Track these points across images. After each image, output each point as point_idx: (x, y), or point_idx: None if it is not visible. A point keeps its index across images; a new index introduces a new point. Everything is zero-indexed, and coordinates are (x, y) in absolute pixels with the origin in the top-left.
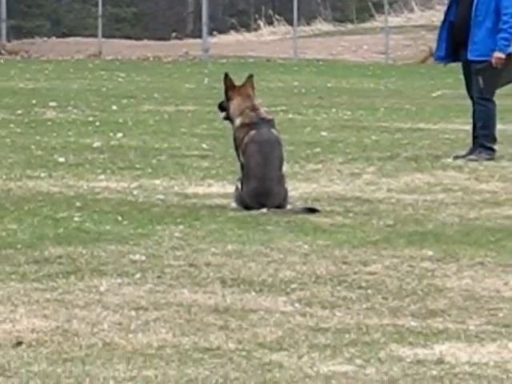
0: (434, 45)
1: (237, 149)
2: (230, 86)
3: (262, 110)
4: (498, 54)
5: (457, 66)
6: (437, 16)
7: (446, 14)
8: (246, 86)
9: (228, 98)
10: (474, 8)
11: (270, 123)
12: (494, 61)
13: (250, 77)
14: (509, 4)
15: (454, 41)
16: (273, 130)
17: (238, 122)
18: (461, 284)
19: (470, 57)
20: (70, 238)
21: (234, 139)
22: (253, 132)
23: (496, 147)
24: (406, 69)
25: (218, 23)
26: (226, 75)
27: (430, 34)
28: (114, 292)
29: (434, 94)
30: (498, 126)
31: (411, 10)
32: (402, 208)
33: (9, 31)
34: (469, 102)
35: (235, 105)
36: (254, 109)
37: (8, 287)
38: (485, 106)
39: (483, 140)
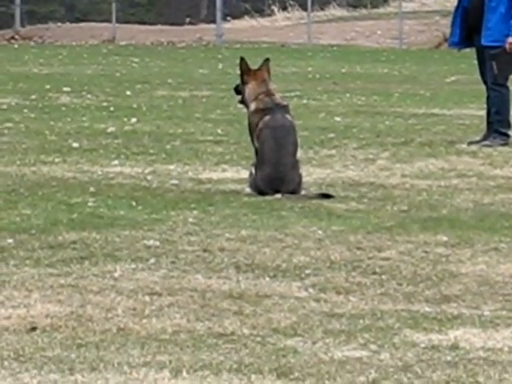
0: (447, 30)
1: (251, 134)
2: (245, 69)
3: (277, 96)
4: (510, 39)
5: (471, 52)
6: (450, 1)
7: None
8: (262, 70)
9: (243, 82)
10: None
11: (284, 109)
12: (508, 46)
13: (266, 60)
14: None
15: (468, 26)
16: (287, 116)
17: (252, 106)
18: (475, 269)
19: (483, 42)
20: (84, 224)
21: (249, 124)
22: (267, 117)
23: (511, 133)
24: (420, 54)
25: (232, 8)
26: (242, 59)
27: (443, 20)
28: (128, 277)
29: (448, 80)
30: None
31: None
32: (416, 193)
33: (23, 16)
34: (483, 87)
35: (250, 89)
36: (269, 94)
37: (22, 272)
38: (499, 91)
39: (497, 125)
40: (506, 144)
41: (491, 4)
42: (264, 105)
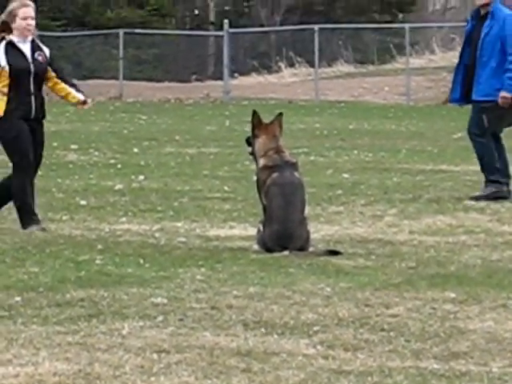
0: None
1: (259, 190)
2: (257, 123)
3: (287, 153)
4: (505, 94)
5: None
6: (457, 57)
7: (461, 56)
8: (274, 124)
9: (254, 136)
10: (479, 48)
11: (293, 166)
12: (500, 100)
13: (279, 115)
14: (509, 45)
15: (468, 83)
16: (296, 173)
17: (261, 163)
18: (483, 326)
19: (475, 97)
20: (92, 281)
21: (257, 180)
22: (275, 174)
23: (504, 180)
24: (427, 110)
25: (239, 65)
26: (255, 112)
27: (450, 76)
28: (136, 335)
29: (456, 136)
30: None
31: (432, 52)
32: (424, 250)
33: None
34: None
35: (260, 144)
36: (278, 151)
37: (30, 330)
38: (480, 141)
39: (487, 174)
40: (499, 192)
41: (482, 59)
42: (273, 162)
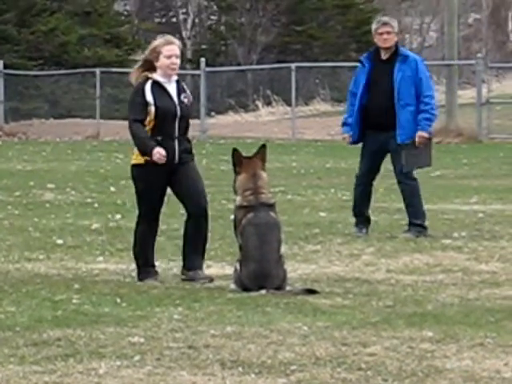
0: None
1: (235, 229)
2: (237, 160)
3: (266, 193)
4: (422, 134)
5: (455, 147)
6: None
7: (360, 98)
8: (255, 160)
9: (235, 172)
10: (396, 93)
11: (269, 207)
12: (417, 140)
13: (263, 147)
14: (427, 87)
15: (367, 124)
16: (271, 213)
17: (237, 202)
18: (461, 365)
19: (399, 140)
20: (69, 321)
21: (234, 218)
22: (250, 215)
23: (426, 223)
24: None
25: (216, 104)
26: (234, 150)
27: None
28: (113, 375)
29: (433, 174)
30: (498, 206)
31: None
32: (402, 289)
33: (6, 113)
34: (468, 182)
35: (239, 182)
36: (256, 192)
37: (7, 370)
38: (408, 184)
39: (411, 218)
40: (422, 235)
41: (400, 103)
42: (248, 202)
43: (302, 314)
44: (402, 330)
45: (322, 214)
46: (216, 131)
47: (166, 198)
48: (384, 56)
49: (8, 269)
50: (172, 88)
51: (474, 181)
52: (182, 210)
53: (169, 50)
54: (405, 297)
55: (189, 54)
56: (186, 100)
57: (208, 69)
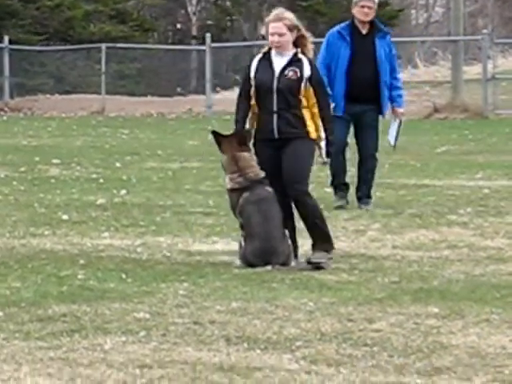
0: (438, 101)
1: (233, 209)
2: (217, 142)
3: (252, 172)
4: (401, 110)
5: (461, 122)
6: (441, 72)
7: (345, 72)
8: (231, 141)
9: (221, 151)
10: (379, 69)
11: (261, 182)
12: (400, 116)
13: (245, 132)
14: (396, 63)
15: (351, 97)
16: (266, 187)
17: (228, 185)
18: (466, 341)
19: (385, 113)
20: (74, 296)
21: (229, 200)
22: (246, 194)
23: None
24: (410, 125)
25: (222, 79)
26: (213, 132)
27: (434, 90)
28: (118, 350)
29: (439, 150)
30: (504, 182)
31: (415, 66)
32: (407, 265)
33: (12, 88)
34: (473, 157)
35: (224, 162)
36: (242, 174)
37: (12, 345)
38: (376, 159)
39: (369, 191)
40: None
41: (383, 78)
42: (239, 184)
43: (308, 290)
44: (408, 306)
45: (328, 189)
46: (221, 107)
47: (170, 173)
48: (363, 30)
49: (13, 244)
50: (281, 61)
51: (479, 156)
52: (188, 186)
53: (272, 27)
54: (410, 273)
55: (194, 30)
56: (290, 73)
57: (214, 44)
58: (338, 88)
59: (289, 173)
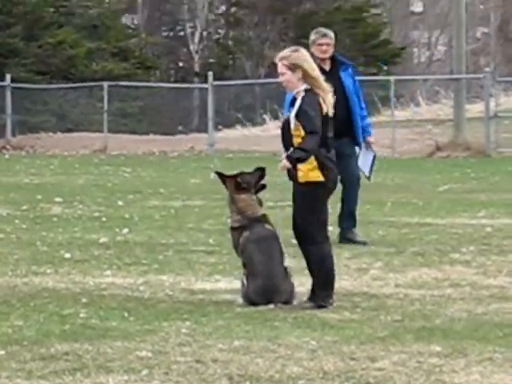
0: (440, 139)
1: (235, 247)
2: (222, 182)
3: (250, 209)
4: (372, 139)
5: (463, 160)
6: (443, 110)
7: None
8: (230, 183)
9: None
10: (349, 102)
11: (260, 221)
12: (372, 146)
13: (240, 174)
14: (361, 94)
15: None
16: (266, 226)
17: (229, 224)
18: (469, 380)
19: (361, 143)
20: (76, 335)
21: (232, 237)
22: (246, 233)
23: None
24: (412, 163)
25: (224, 117)
26: (217, 173)
27: (436, 129)
28: None
29: (441, 189)
30: (506, 221)
31: (417, 104)
32: (410, 303)
33: (14, 126)
34: (476, 195)
35: (227, 201)
36: (240, 212)
37: None
38: (359, 187)
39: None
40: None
41: (354, 110)
42: (238, 223)
43: (310, 329)
44: (411, 345)
45: (330, 228)
46: (223, 145)
47: (173, 211)
48: (326, 67)
49: (16, 283)
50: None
51: (482, 195)
52: (190, 224)
53: (278, 67)
54: (413, 311)
55: (196, 68)
56: (288, 112)
57: (216, 82)
58: None
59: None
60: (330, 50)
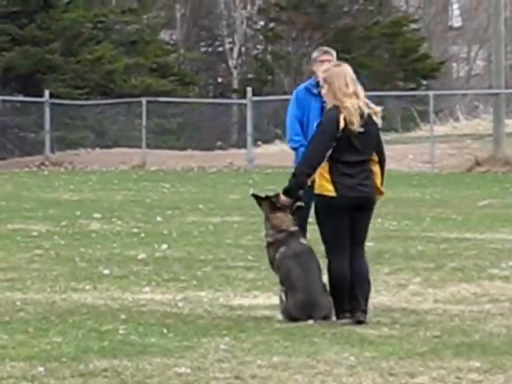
0: (479, 154)
1: (271, 265)
2: (258, 204)
3: (284, 225)
4: None
5: (502, 176)
6: (482, 125)
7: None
8: (265, 204)
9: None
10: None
11: (295, 234)
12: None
13: (275, 195)
14: None
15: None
16: (301, 240)
17: (265, 241)
18: None
19: None
20: (115, 351)
21: (268, 256)
22: (282, 248)
23: None
24: (451, 178)
25: (263, 133)
26: (252, 195)
27: (475, 143)
28: None
29: (480, 204)
30: None
31: (456, 119)
32: (449, 319)
33: (52, 143)
34: None
35: (264, 221)
36: (274, 227)
37: None
38: None
39: None
40: None
41: None
42: (273, 238)
43: (349, 345)
44: (450, 361)
45: (369, 243)
46: (262, 161)
47: (211, 227)
48: (317, 90)
49: (54, 299)
50: None
51: None
52: (229, 240)
53: None
54: (452, 327)
55: (235, 84)
56: None
57: (254, 98)
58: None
59: None
60: None
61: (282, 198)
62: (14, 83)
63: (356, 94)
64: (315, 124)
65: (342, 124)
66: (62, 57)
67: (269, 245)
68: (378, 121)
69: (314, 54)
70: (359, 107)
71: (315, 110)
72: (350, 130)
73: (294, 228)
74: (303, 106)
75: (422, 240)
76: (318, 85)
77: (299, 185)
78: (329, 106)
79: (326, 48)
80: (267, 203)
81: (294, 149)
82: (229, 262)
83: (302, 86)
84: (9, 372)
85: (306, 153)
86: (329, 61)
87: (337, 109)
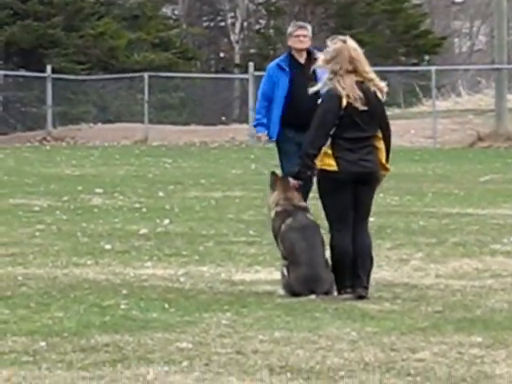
0: (481, 129)
1: (275, 237)
2: (274, 181)
3: (297, 199)
4: None
5: (505, 151)
6: (484, 100)
7: (283, 100)
8: (287, 181)
9: (271, 189)
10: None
11: (304, 210)
12: None
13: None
14: None
15: (288, 125)
16: (309, 215)
17: (273, 213)
18: (510, 370)
19: None
20: (117, 326)
21: (272, 229)
22: (289, 220)
23: None
24: (453, 153)
25: None
26: (272, 173)
27: (477, 119)
28: (161, 380)
29: (482, 179)
30: None
31: (458, 94)
32: (451, 294)
33: (55, 118)
34: None
35: (273, 197)
36: (287, 199)
37: (55, 375)
38: None
39: None
40: None
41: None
42: (282, 207)
43: (351, 320)
44: (451, 336)
45: (371, 218)
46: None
47: (213, 202)
48: (301, 60)
49: (56, 274)
50: None
51: None
52: (231, 215)
53: None
54: (454, 302)
55: (237, 59)
56: None
57: (256, 73)
58: (275, 114)
59: None
60: (307, 42)
61: (292, 181)
62: (16, 58)
63: (356, 71)
64: (283, 99)
65: (344, 102)
66: (64, 31)
67: (276, 214)
68: (383, 97)
69: (290, 29)
70: (361, 83)
71: (283, 87)
72: (352, 107)
73: (305, 204)
74: (273, 82)
75: (424, 215)
76: (289, 60)
77: (307, 167)
78: (326, 81)
79: (301, 23)
80: (285, 181)
81: (254, 126)
82: (231, 237)
83: (275, 61)
84: (10, 347)
85: (309, 134)
86: (304, 36)
87: (338, 83)
